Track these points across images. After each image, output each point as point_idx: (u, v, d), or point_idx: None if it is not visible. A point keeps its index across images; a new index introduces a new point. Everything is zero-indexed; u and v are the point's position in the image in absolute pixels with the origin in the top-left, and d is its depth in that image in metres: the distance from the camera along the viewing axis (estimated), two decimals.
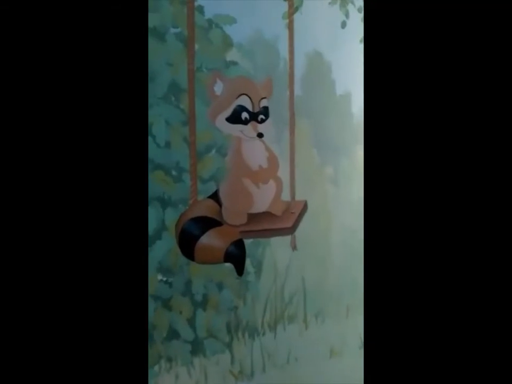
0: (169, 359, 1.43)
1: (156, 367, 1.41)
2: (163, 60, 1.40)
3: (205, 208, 0.96)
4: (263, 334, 1.50)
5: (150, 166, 1.36)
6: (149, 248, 1.35)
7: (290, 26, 1.00)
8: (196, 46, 1.00)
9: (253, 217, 0.96)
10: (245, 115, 0.91)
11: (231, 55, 1.43)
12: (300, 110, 1.05)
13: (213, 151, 1.45)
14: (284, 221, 0.96)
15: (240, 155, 0.94)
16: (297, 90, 1.03)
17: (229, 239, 0.91)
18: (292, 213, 0.98)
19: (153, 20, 1.37)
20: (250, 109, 0.92)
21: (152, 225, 1.37)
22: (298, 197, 1.03)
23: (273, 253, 1.47)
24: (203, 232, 0.91)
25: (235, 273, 0.92)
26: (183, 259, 0.97)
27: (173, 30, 1.43)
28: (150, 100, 1.35)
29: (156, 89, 1.38)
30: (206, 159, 1.43)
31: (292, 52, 1.00)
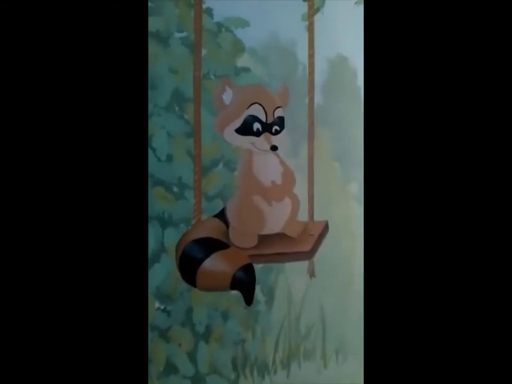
0: None
1: None
2: (166, 66, 1.39)
3: (209, 229, 0.95)
4: (275, 371, 1.47)
5: (149, 182, 1.34)
6: None
7: (310, 29, 1.00)
8: (203, 51, 1.00)
9: (265, 240, 0.95)
10: (257, 126, 0.91)
11: (243, 61, 1.42)
12: (320, 120, 1.04)
13: (220, 166, 1.43)
14: (301, 244, 0.95)
15: (251, 170, 0.93)
16: (318, 99, 1.03)
17: (236, 263, 0.90)
18: (310, 235, 0.97)
19: (156, 23, 1.37)
20: (263, 119, 0.91)
21: (150, 246, 1.35)
22: (318, 217, 1.01)
23: (288, 280, 1.44)
24: (207, 255, 0.90)
25: (243, 302, 0.91)
26: (183, 285, 0.96)
27: (177, 35, 1.42)
28: (151, 110, 1.35)
29: (158, 98, 1.38)
30: (211, 174, 1.41)
31: (312, 56, 0.99)
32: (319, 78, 1.02)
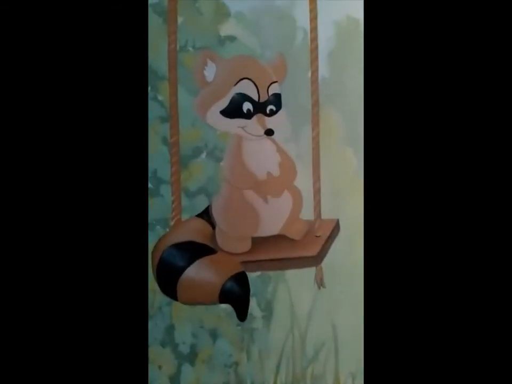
0: None
1: None
2: None
3: (192, 231, 0.94)
4: None
5: None
6: None
7: None
8: (179, 19, 0.99)
9: (260, 243, 0.94)
10: (247, 106, 0.90)
11: (228, 28, 1.41)
12: (327, 97, 1.01)
13: (203, 155, 1.43)
14: (306, 247, 0.94)
15: (241, 159, 0.92)
16: (323, 71, 1.00)
17: (225, 271, 0.89)
18: (317, 236, 0.96)
19: None
20: (254, 97, 0.90)
21: None
22: (327, 214, 0.99)
23: (290, 291, 1.42)
24: (190, 263, 0.89)
25: (235, 318, 0.89)
26: (162, 298, 0.98)
27: (149, 1, 1.37)
28: None
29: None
30: (193, 165, 1.41)
31: (314, 19, 0.97)
32: (324, 45, 0.99)
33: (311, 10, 0.97)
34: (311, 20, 0.97)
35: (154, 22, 1.36)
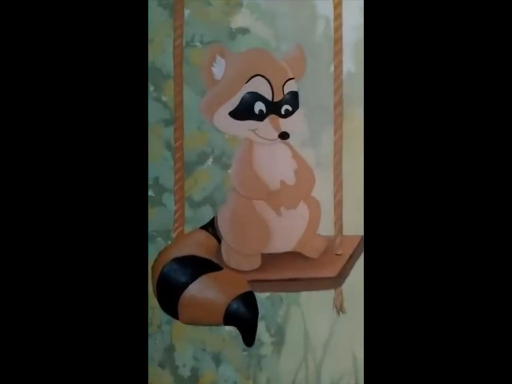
0: None
1: None
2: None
3: (195, 244, 0.94)
4: None
5: None
6: None
7: None
8: (186, 12, 0.99)
9: (272, 260, 0.94)
10: (259, 106, 0.89)
11: (240, 20, 1.39)
12: (353, 95, 0.98)
13: (209, 161, 1.41)
14: (324, 267, 0.93)
15: (252, 166, 0.91)
16: (348, 65, 0.98)
17: (231, 290, 0.88)
18: (338, 255, 0.95)
19: None
20: (268, 96, 0.89)
21: None
22: (350, 230, 0.98)
23: (305, 315, 1.39)
24: (192, 279, 0.89)
25: (241, 342, 0.89)
26: (162, 315, 0.95)
27: None
28: None
29: None
30: (198, 172, 1.39)
31: (339, 4, 0.94)
32: (349, 36, 0.97)
33: None
34: (335, 6, 0.94)
35: (158, 16, 1.36)
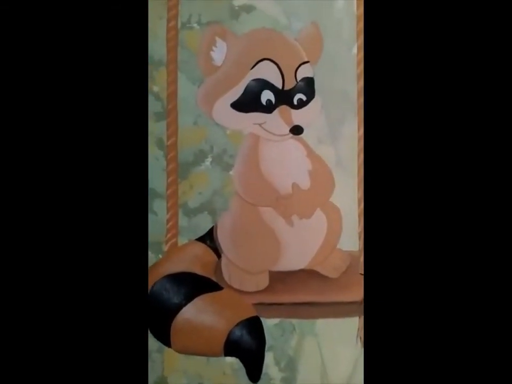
0: None
1: None
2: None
3: (190, 259, 0.95)
4: None
5: None
6: None
7: None
8: None
9: (282, 280, 0.93)
10: (267, 95, 0.88)
11: None
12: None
13: (207, 162, 1.37)
14: (346, 289, 0.92)
15: (258, 167, 0.91)
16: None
17: (233, 315, 0.88)
18: (362, 274, 0.92)
19: None
20: (277, 84, 0.88)
21: None
22: None
23: (321, 346, 1.35)
24: (187, 300, 0.89)
25: (245, 377, 0.89)
26: (152, 342, 0.94)
27: None
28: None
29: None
30: (194, 175, 1.36)
31: None
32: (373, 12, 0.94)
33: None
34: None
35: None
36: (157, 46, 1.21)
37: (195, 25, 1.34)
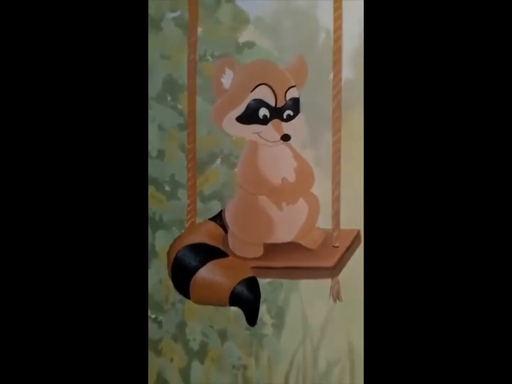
0: None
1: None
2: (157, 53, 1.35)
3: (205, 233, 0.92)
4: None
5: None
6: None
7: None
8: (199, 30, 0.97)
9: (273, 250, 0.90)
10: (263, 112, 0.86)
11: (246, 35, 1.35)
12: (351, 100, 0.94)
13: (218, 161, 1.37)
14: (322, 257, 0.88)
15: (256, 165, 0.88)
16: (347, 73, 0.95)
17: (236, 275, 0.86)
18: (335, 246, 0.90)
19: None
20: (271, 103, 0.85)
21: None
22: (347, 224, 0.94)
23: (303, 301, 1.33)
24: (202, 264, 0.87)
25: (244, 321, 0.87)
26: (176, 295, 0.96)
27: (170, 15, 1.37)
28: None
29: (148, 88, 1.32)
30: (208, 171, 1.36)
31: (339, 17, 0.89)
32: (349, 45, 0.93)
33: (335, 9, 0.88)
34: (335, 19, 0.89)
35: (175, 35, 1.33)
36: (180, 74, 1.24)
37: (209, 57, 1.32)
